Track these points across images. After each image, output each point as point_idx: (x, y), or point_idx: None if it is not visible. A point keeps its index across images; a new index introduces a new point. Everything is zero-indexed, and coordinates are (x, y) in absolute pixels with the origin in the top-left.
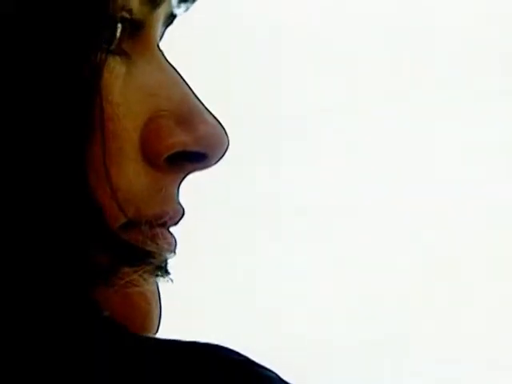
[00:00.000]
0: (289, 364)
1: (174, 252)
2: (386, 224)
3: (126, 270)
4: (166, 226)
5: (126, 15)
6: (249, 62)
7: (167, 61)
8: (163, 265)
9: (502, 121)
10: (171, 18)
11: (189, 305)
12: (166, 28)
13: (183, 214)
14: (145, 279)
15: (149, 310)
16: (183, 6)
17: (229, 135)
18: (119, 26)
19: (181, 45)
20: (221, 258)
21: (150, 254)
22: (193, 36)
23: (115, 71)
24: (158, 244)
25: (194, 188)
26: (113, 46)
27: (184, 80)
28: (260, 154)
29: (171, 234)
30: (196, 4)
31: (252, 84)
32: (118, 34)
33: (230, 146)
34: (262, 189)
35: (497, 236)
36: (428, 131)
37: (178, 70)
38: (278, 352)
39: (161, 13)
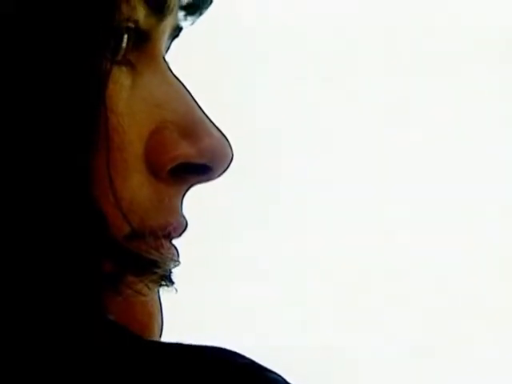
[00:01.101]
0: (292, 366)
1: (178, 262)
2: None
3: (131, 278)
4: (169, 237)
5: (132, 26)
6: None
7: (172, 73)
8: (167, 274)
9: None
10: (177, 30)
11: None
12: (172, 40)
13: (186, 227)
14: (149, 288)
15: (150, 320)
16: (189, 19)
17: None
18: (125, 36)
19: (185, 57)
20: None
21: (154, 263)
22: (197, 48)
23: (120, 82)
24: (162, 254)
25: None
26: (118, 57)
27: (189, 92)
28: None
29: (174, 246)
30: (202, 17)
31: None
32: (124, 45)
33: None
34: (264, 199)
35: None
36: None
37: (183, 82)
38: (280, 354)
39: (167, 25)
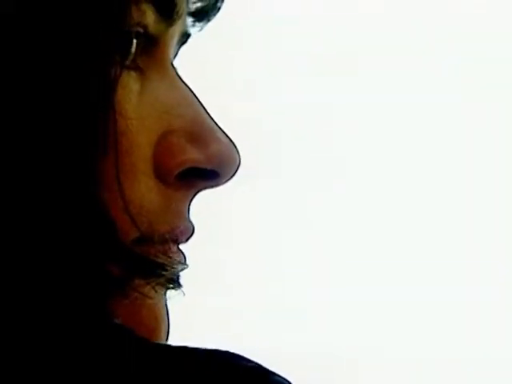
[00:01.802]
0: (293, 369)
1: (186, 265)
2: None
3: (138, 282)
4: (177, 241)
5: (141, 31)
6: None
7: (181, 79)
8: (175, 277)
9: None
10: (185, 36)
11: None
12: (180, 47)
13: (193, 231)
14: (157, 291)
15: (157, 324)
16: (197, 25)
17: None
18: (134, 41)
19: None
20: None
21: (162, 267)
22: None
23: (129, 86)
24: (170, 257)
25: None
26: (127, 62)
27: (197, 98)
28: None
29: (181, 250)
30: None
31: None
32: (133, 50)
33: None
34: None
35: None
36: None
37: (191, 87)
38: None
39: (176, 30)
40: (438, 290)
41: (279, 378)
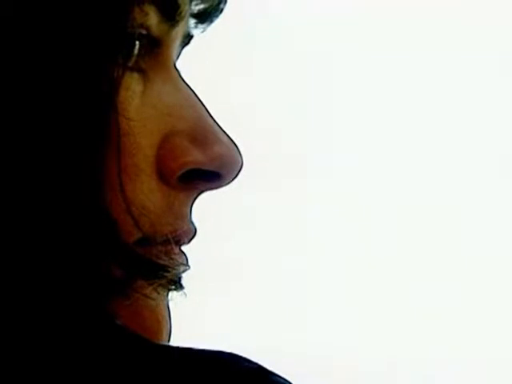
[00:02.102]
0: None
1: (188, 267)
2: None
3: (140, 283)
4: (179, 242)
5: (144, 32)
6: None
7: (183, 80)
8: (177, 278)
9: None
10: (188, 38)
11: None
12: (182, 48)
13: (195, 233)
14: (159, 293)
15: (159, 326)
16: (200, 27)
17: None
18: (137, 42)
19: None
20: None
21: (164, 268)
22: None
23: (132, 88)
24: (172, 259)
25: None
26: (130, 63)
27: (200, 100)
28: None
29: (183, 252)
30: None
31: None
32: (136, 51)
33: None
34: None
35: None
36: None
37: (193, 89)
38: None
39: (178, 32)
40: (438, 291)
41: (280, 379)
